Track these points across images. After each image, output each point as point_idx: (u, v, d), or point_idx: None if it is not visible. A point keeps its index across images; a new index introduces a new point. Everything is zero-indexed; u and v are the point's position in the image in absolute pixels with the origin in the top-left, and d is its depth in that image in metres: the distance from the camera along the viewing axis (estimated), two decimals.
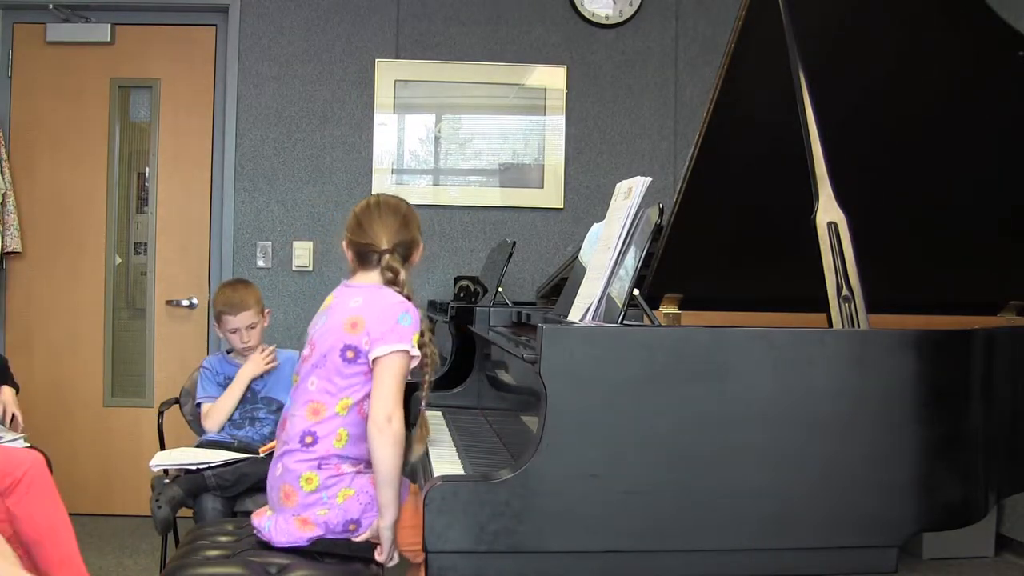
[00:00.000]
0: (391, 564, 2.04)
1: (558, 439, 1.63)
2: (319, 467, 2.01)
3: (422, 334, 2.04)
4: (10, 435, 2.90)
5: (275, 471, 2.08)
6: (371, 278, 2.12)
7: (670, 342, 1.69)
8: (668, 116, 4.44)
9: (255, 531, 2.07)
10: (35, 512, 2.62)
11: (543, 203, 4.40)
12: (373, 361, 1.99)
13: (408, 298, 2.08)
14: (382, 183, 4.33)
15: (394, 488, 1.97)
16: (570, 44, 4.40)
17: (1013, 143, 2.32)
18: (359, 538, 2.02)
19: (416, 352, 2.01)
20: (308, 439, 2.02)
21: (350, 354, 2.01)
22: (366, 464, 2.06)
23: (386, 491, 1.96)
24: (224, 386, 3.11)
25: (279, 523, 2.03)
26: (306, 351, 2.11)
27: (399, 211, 2.15)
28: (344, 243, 2.18)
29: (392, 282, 2.09)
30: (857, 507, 1.71)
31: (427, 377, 2.08)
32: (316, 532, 2.00)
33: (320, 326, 2.10)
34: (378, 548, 2.01)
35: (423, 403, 2.08)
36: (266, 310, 3.21)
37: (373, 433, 1.95)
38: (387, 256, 2.10)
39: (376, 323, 2.01)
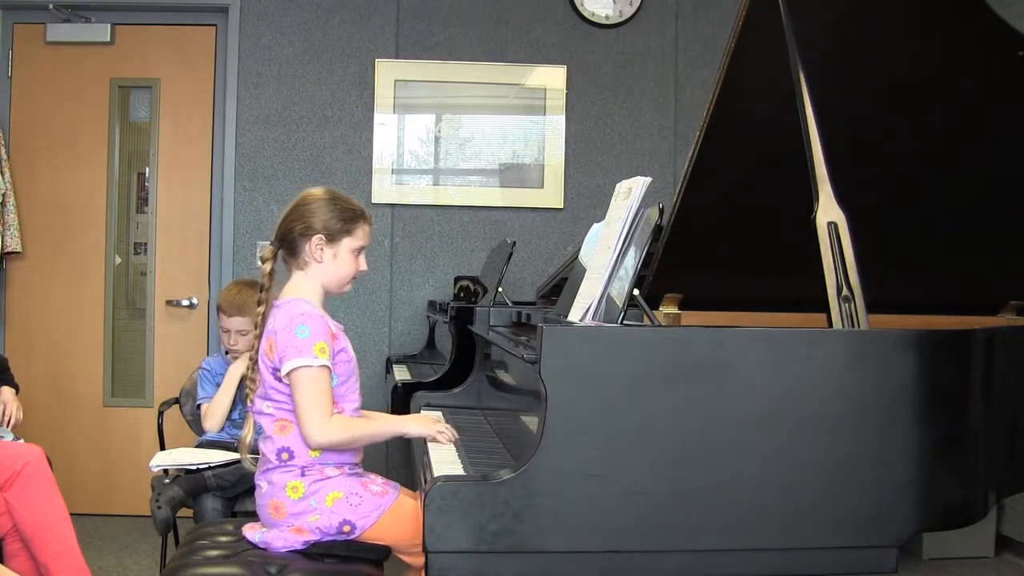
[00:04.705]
0: (449, 437, 2.08)
1: (558, 439, 1.63)
2: (303, 474, 2.01)
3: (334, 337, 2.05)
4: (1, 431, 2.89)
5: (260, 489, 2.07)
6: (286, 291, 2.14)
7: (670, 342, 1.69)
8: (668, 116, 4.43)
9: (249, 544, 2.05)
10: (34, 505, 2.62)
11: (543, 203, 4.40)
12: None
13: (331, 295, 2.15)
14: (382, 183, 4.33)
15: (379, 432, 2.13)
16: (570, 44, 4.40)
17: (1012, 143, 2.32)
18: (355, 537, 2.01)
19: (322, 361, 1.98)
20: (284, 455, 2.02)
21: (280, 374, 2.01)
22: (350, 466, 2.06)
23: (380, 436, 2.16)
24: None
25: (272, 533, 2.03)
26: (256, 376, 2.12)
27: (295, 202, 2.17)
28: None
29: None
30: (857, 507, 1.70)
31: None
32: (312, 538, 1.99)
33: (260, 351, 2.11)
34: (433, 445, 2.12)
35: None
36: None
37: (318, 447, 2.01)
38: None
39: (281, 340, 2.01)
